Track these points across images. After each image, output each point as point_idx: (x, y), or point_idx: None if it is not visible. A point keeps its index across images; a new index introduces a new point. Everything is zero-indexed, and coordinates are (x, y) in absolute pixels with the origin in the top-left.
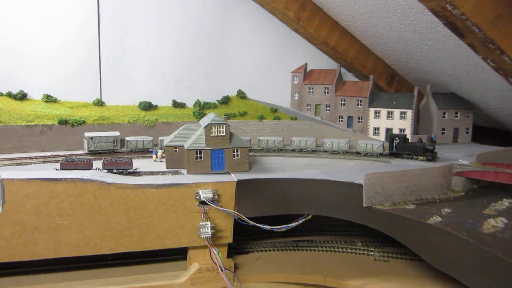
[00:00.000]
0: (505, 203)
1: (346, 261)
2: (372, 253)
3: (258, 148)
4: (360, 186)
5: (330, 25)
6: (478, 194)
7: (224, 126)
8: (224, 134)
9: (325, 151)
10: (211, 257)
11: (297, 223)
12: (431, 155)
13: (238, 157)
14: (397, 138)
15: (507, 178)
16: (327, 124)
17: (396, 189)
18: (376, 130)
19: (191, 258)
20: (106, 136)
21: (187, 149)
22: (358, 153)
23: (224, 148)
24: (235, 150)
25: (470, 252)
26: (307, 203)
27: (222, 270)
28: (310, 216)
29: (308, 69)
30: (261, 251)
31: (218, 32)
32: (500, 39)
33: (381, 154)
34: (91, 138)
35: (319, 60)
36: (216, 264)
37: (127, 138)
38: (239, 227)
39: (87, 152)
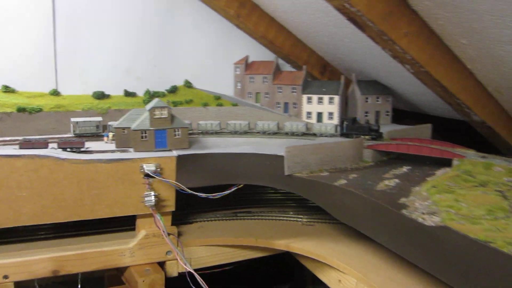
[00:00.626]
0: (404, 169)
1: (277, 226)
2: (300, 218)
3: (198, 131)
4: (282, 157)
5: (267, 21)
6: (385, 164)
7: (166, 109)
8: (166, 116)
9: (257, 132)
10: (155, 223)
11: (229, 191)
12: (376, 135)
13: (179, 136)
14: (346, 121)
15: (405, 148)
16: (266, 110)
17: (313, 160)
18: (309, 114)
19: (139, 226)
20: (90, 121)
21: (133, 130)
22: (286, 133)
23: (166, 128)
24: (176, 130)
25: (363, 204)
26: (239, 173)
27: (166, 235)
28: (241, 185)
29: (250, 60)
30: (204, 221)
31: (166, 26)
32: (391, 32)
33: (333, 135)
34: (77, 122)
35: (259, 53)
36: (160, 228)
37: (109, 123)
38: (184, 201)
39: (73, 135)
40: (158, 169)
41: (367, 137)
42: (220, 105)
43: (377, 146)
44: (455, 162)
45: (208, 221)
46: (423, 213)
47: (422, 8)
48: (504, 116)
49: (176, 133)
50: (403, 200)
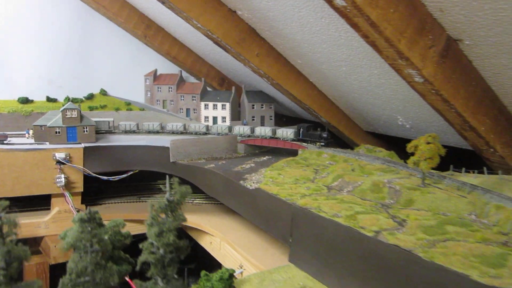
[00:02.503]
0: (265, 158)
1: None
2: (192, 200)
3: (120, 130)
4: (168, 148)
5: (170, 40)
6: (253, 155)
7: (75, 110)
8: (75, 116)
9: (167, 132)
10: (66, 201)
11: (126, 174)
12: (325, 141)
13: (87, 132)
14: (302, 128)
15: (266, 142)
16: (171, 114)
17: (193, 150)
18: (206, 118)
19: (53, 204)
20: (104, 121)
21: (48, 127)
22: (191, 133)
23: (76, 125)
24: (85, 127)
25: (220, 180)
26: (135, 161)
27: (74, 210)
28: (137, 170)
29: (158, 73)
30: (111, 203)
31: (84, 43)
32: (245, 53)
33: (293, 140)
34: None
35: (167, 66)
36: (69, 204)
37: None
38: (96, 189)
39: None
40: (68, 157)
41: (317, 143)
42: (130, 109)
43: (247, 141)
44: (299, 151)
45: (115, 203)
46: (253, 182)
47: (266, 36)
48: (344, 118)
49: (85, 129)
50: (246, 175)
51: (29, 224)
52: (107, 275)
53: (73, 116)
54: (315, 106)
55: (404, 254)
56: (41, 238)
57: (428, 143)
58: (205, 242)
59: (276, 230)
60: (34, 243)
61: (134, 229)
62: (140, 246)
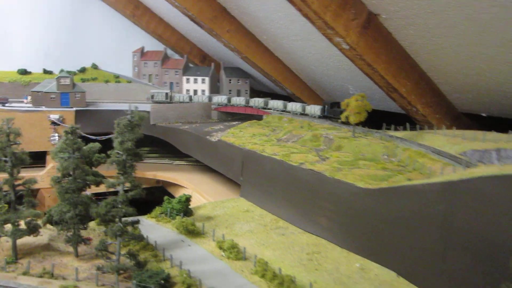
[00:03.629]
0: (234, 122)
1: (156, 166)
2: (172, 162)
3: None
4: (149, 112)
5: (157, 20)
6: (225, 121)
7: (68, 78)
8: (69, 83)
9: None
10: None
11: (111, 136)
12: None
13: (79, 98)
14: (326, 105)
15: (236, 109)
16: (156, 87)
17: (171, 115)
18: (188, 91)
19: (48, 161)
20: (162, 92)
21: (44, 92)
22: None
23: (69, 92)
24: (77, 93)
25: (191, 138)
26: None
27: None
28: None
29: (145, 50)
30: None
31: (78, 21)
32: (217, 29)
33: (319, 116)
34: (153, 93)
35: (153, 44)
36: None
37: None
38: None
39: (152, 101)
40: (61, 119)
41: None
42: (118, 82)
43: (220, 108)
44: (264, 116)
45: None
46: (217, 137)
47: (235, 14)
48: (307, 90)
49: (77, 95)
50: (213, 133)
51: (27, 177)
52: (84, 174)
53: (66, 83)
54: (280, 78)
55: (316, 174)
56: (37, 190)
57: (357, 100)
58: (180, 194)
59: (231, 172)
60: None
61: None
62: (109, 152)
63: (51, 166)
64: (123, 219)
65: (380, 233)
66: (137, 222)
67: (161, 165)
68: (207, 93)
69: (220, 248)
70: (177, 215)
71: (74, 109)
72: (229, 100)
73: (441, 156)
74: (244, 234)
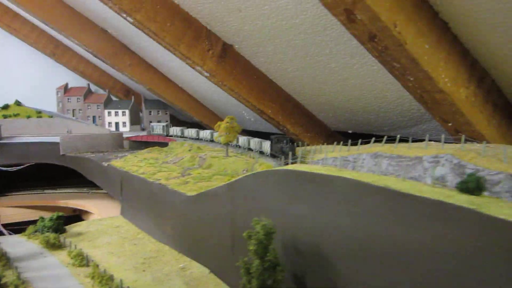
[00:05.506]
0: (142, 150)
1: (74, 195)
2: (88, 191)
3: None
4: (58, 143)
5: (77, 57)
6: (136, 149)
7: None
8: None
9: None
10: None
11: (23, 166)
12: (283, 154)
13: None
14: (272, 140)
15: (145, 138)
16: (79, 121)
17: (81, 145)
18: (110, 123)
19: None
20: (159, 125)
21: None
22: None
23: None
24: None
25: (92, 164)
26: (32, 155)
27: None
28: (33, 163)
29: (69, 86)
30: (16, 195)
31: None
32: (118, 64)
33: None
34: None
35: (77, 80)
36: None
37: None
38: (5, 184)
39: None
40: None
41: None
42: (40, 117)
43: (129, 138)
44: (169, 143)
45: (19, 194)
46: (113, 163)
47: (135, 50)
48: (211, 116)
49: None
50: (112, 160)
51: None
52: None
53: None
54: (186, 107)
55: (163, 187)
56: None
57: (227, 122)
58: (88, 219)
59: (115, 193)
60: None
61: (30, 215)
62: None
63: None
64: None
65: (197, 234)
66: None
67: (77, 194)
68: (128, 125)
69: (70, 256)
70: (47, 232)
71: None
72: (198, 133)
73: None
74: (102, 245)
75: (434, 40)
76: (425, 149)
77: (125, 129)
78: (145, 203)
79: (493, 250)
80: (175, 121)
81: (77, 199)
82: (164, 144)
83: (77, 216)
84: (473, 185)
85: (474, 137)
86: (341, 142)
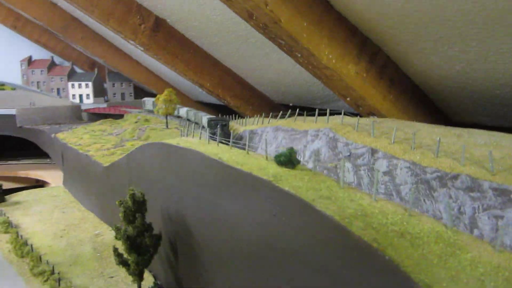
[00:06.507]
0: (98, 122)
1: (35, 166)
2: (50, 161)
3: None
4: (14, 115)
5: (40, 30)
6: (93, 121)
7: None
8: None
9: None
10: None
11: None
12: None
13: None
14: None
15: (102, 110)
16: (43, 93)
17: (38, 117)
18: (74, 96)
19: None
20: (151, 99)
21: None
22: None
23: None
24: None
25: (45, 137)
26: None
27: None
28: None
29: (33, 58)
30: None
31: None
32: (71, 38)
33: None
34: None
35: (42, 52)
36: None
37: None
38: None
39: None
40: None
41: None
42: (2, 89)
43: (87, 110)
44: (124, 115)
45: None
46: (59, 135)
47: (88, 23)
48: (166, 86)
49: None
50: (64, 131)
51: None
52: None
53: None
54: (141, 79)
55: (88, 158)
56: None
57: (166, 95)
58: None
59: (59, 163)
60: None
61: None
62: None
63: None
64: None
65: (111, 202)
66: None
67: (38, 165)
68: (91, 97)
69: None
70: None
71: None
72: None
73: None
74: (34, 214)
75: (315, 18)
76: (315, 123)
77: (89, 101)
78: (78, 173)
79: (282, 218)
80: (143, 92)
81: (37, 170)
82: (121, 116)
83: (40, 186)
84: (285, 158)
85: (372, 111)
86: (279, 114)
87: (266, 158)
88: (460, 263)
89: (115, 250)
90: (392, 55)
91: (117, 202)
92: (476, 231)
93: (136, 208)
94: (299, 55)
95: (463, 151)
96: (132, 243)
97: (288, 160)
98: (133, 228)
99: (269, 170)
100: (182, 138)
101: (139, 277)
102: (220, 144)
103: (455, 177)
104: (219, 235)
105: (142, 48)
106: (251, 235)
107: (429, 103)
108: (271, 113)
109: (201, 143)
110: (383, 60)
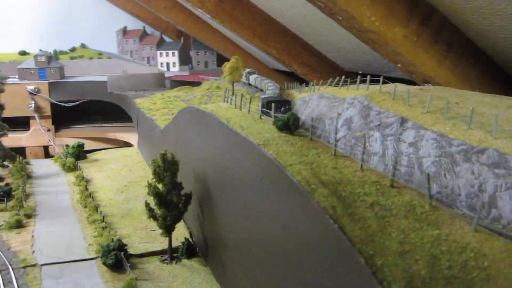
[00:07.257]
0: (177, 88)
1: (122, 129)
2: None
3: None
4: (106, 82)
5: (132, 1)
6: (176, 87)
7: (44, 56)
8: (44, 60)
9: None
10: (38, 122)
11: (78, 102)
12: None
13: (54, 72)
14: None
15: (185, 77)
16: (135, 62)
17: (126, 84)
18: (162, 64)
19: (31, 124)
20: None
21: (25, 68)
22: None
23: (45, 67)
24: (52, 68)
25: (131, 103)
26: (84, 92)
27: (42, 129)
28: (87, 99)
29: (128, 29)
30: (75, 127)
31: (67, 4)
32: (154, 6)
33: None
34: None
35: (135, 23)
36: (38, 125)
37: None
38: (67, 117)
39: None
40: (36, 89)
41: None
42: (100, 58)
43: (171, 77)
44: (202, 83)
45: (79, 127)
46: (137, 100)
47: None
48: (245, 55)
49: (52, 70)
50: (139, 98)
51: (16, 137)
52: None
53: (42, 60)
54: (221, 48)
55: (150, 121)
56: (24, 148)
57: (232, 62)
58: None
59: (136, 126)
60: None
61: (89, 145)
62: None
63: (33, 128)
64: None
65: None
66: None
67: (125, 128)
68: (177, 65)
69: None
70: (69, 157)
71: (48, 81)
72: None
73: None
74: (105, 171)
75: None
76: (356, 90)
77: (175, 69)
78: (145, 135)
79: (266, 183)
80: (226, 61)
81: (124, 132)
82: (199, 83)
83: (130, 146)
84: (281, 124)
85: (426, 79)
86: (341, 81)
87: (274, 123)
88: (422, 239)
89: (147, 204)
90: (450, 15)
91: (151, 162)
92: (494, 211)
93: (167, 167)
94: (340, 18)
95: (495, 123)
96: (161, 199)
97: (285, 125)
98: (163, 186)
99: (264, 135)
100: (220, 104)
101: (167, 231)
102: (243, 110)
103: (482, 151)
104: (228, 198)
105: (208, 16)
106: (246, 195)
107: (497, 71)
108: (335, 80)
109: (226, 108)
110: (438, 22)
